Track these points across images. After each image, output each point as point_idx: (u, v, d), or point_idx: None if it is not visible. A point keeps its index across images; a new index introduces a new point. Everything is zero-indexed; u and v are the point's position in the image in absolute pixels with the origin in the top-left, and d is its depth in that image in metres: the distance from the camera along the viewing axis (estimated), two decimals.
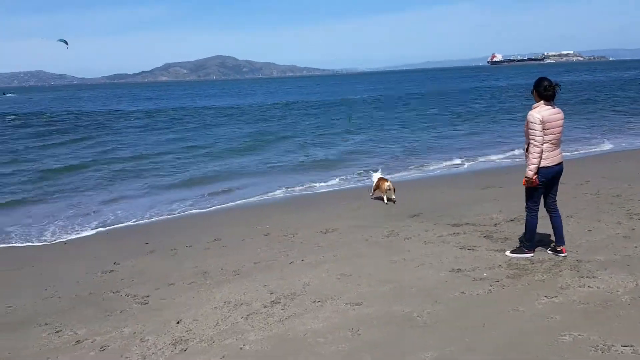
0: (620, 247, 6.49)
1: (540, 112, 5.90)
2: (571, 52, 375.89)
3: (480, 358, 4.12)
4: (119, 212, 11.56)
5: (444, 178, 13.50)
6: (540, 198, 6.27)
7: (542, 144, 5.89)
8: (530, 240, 6.38)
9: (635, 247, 6.44)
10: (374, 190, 10.56)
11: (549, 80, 5.92)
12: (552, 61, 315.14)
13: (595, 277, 5.56)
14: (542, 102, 5.95)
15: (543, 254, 6.40)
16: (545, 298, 5.11)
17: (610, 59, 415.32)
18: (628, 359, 3.98)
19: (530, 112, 5.96)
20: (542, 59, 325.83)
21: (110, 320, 5.53)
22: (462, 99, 46.14)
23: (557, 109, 6.00)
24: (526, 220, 6.36)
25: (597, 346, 4.14)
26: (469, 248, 6.87)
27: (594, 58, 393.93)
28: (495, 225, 7.96)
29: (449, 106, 38.52)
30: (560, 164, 6.13)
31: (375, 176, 10.65)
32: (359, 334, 4.65)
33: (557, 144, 6.06)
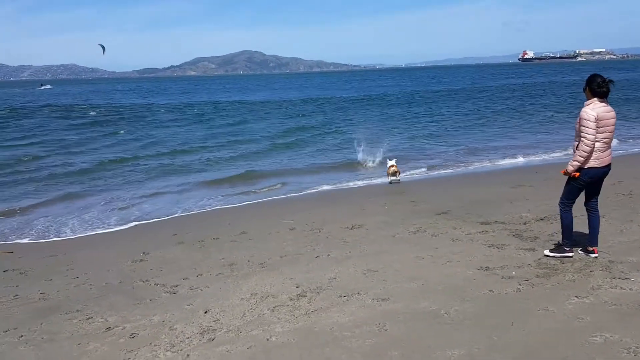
0: None
1: (595, 109, 5.70)
2: (603, 49, 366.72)
3: (508, 357, 4.07)
4: (151, 206, 11.77)
5: (475, 176, 13.35)
6: (577, 197, 6.12)
7: (594, 143, 5.70)
8: (569, 238, 6.17)
9: None
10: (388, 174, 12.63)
11: (602, 77, 5.73)
12: (583, 59, 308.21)
13: (627, 278, 5.43)
14: (595, 99, 5.75)
15: (574, 254, 6.28)
16: (575, 298, 5.02)
17: None
18: None
19: (584, 109, 5.76)
20: (574, 57, 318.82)
21: (140, 308, 5.64)
22: (499, 96, 45.45)
23: (610, 107, 5.80)
24: (561, 216, 6.19)
25: (630, 348, 4.05)
26: (498, 246, 6.79)
27: (628, 56, 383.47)
28: (524, 224, 7.85)
29: (485, 103, 38.05)
30: (608, 165, 5.92)
31: (389, 163, 12.72)
32: (386, 329, 4.64)
33: (609, 143, 5.85)
